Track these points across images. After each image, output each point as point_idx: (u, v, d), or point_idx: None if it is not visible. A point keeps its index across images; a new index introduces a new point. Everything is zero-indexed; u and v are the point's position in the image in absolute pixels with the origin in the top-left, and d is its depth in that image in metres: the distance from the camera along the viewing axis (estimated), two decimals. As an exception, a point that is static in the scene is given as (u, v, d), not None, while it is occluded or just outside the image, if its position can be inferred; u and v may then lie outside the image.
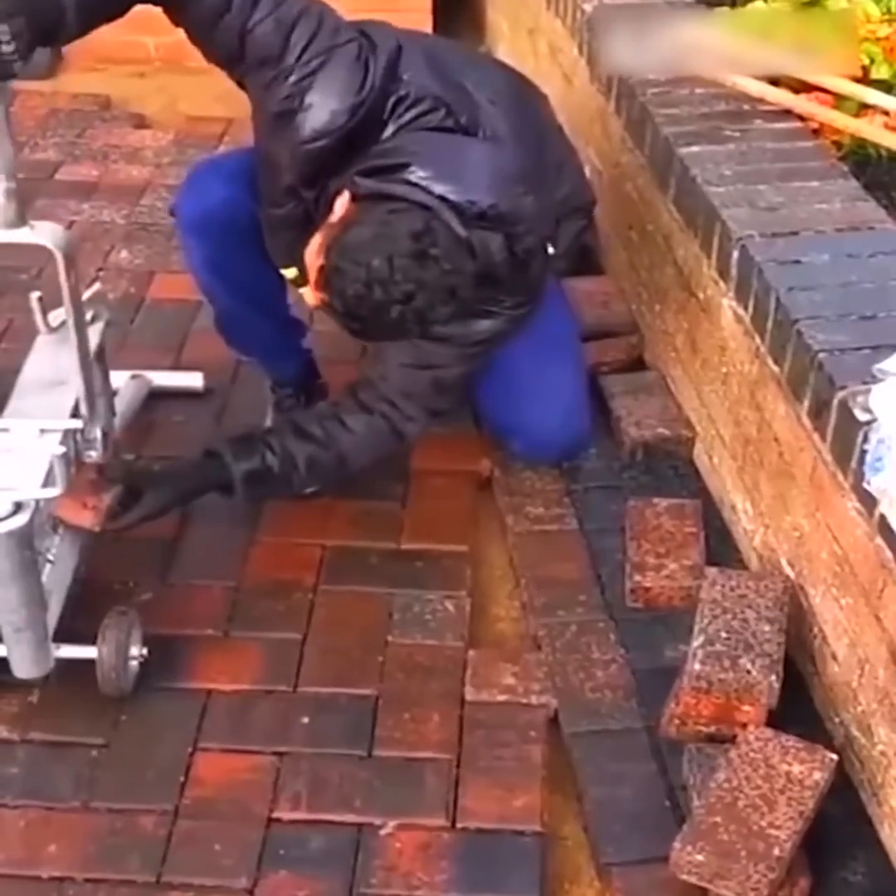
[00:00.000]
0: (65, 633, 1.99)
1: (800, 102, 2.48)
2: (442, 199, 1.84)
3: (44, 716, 2.00)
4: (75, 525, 1.98)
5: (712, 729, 1.90)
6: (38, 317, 2.16)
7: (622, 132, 2.70)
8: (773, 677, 1.85)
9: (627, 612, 2.16)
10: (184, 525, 2.36)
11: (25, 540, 1.85)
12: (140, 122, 3.86)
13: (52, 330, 2.19)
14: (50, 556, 2.00)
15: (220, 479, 2.11)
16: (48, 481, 1.91)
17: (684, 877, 1.69)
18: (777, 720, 1.87)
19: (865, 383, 1.73)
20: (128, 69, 4.16)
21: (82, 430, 2.06)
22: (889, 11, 2.64)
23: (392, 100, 1.97)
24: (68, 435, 2.01)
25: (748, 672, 1.85)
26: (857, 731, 1.84)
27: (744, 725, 1.85)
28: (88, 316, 2.25)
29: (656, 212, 2.55)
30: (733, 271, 2.13)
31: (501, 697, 2.03)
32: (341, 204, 1.92)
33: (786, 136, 2.43)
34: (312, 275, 1.91)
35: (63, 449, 1.95)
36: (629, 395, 2.57)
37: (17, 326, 2.77)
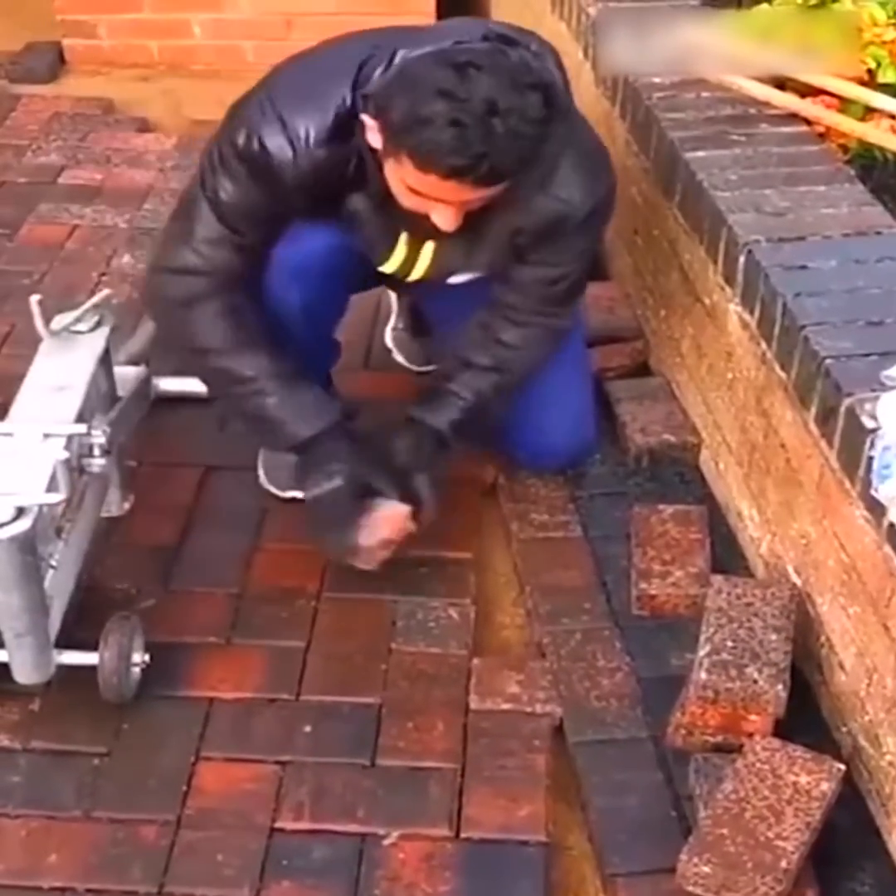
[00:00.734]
0: (67, 640, 1.98)
1: (806, 106, 2.47)
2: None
3: (45, 724, 1.99)
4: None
5: (719, 738, 1.88)
6: (37, 321, 2.15)
7: (627, 136, 2.69)
8: (780, 687, 1.84)
9: (633, 620, 2.15)
10: (186, 531, 2.35)
11: (28, 545, 1.84)
12: (143, 126, 3.85)
13: (51, 334, 2.18)
14: (52, 562, 1.99)
15: (433, 439, 2.16)
16: (51, 486, 1.89)
17: (691, 888, 1.68)
18: (784, 729, 1.86)
19: (873, 390, 1.72)
20: (131, 73, 4.14)
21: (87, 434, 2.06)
22: (896, 15, 2.64)
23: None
24: (72, 440, 2.00)
25: (755, 681, 1.84)
26: (864, 740, 1.83)
27: (751, 735, 1.84)
28: (94, 321, 2.25)
29: (662, 216, 2.54)
30: (739, 276, 2.12)
31: (506, 706, 2.02)
32: (371, 130, 1.85)
33: (792, 140, 2.42)
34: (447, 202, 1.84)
35: (67, 454, 1.94)
36: (634, 401, 2.55)
37: (19, 331, 2.76)
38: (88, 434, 2.07)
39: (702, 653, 1.89)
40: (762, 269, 2.04)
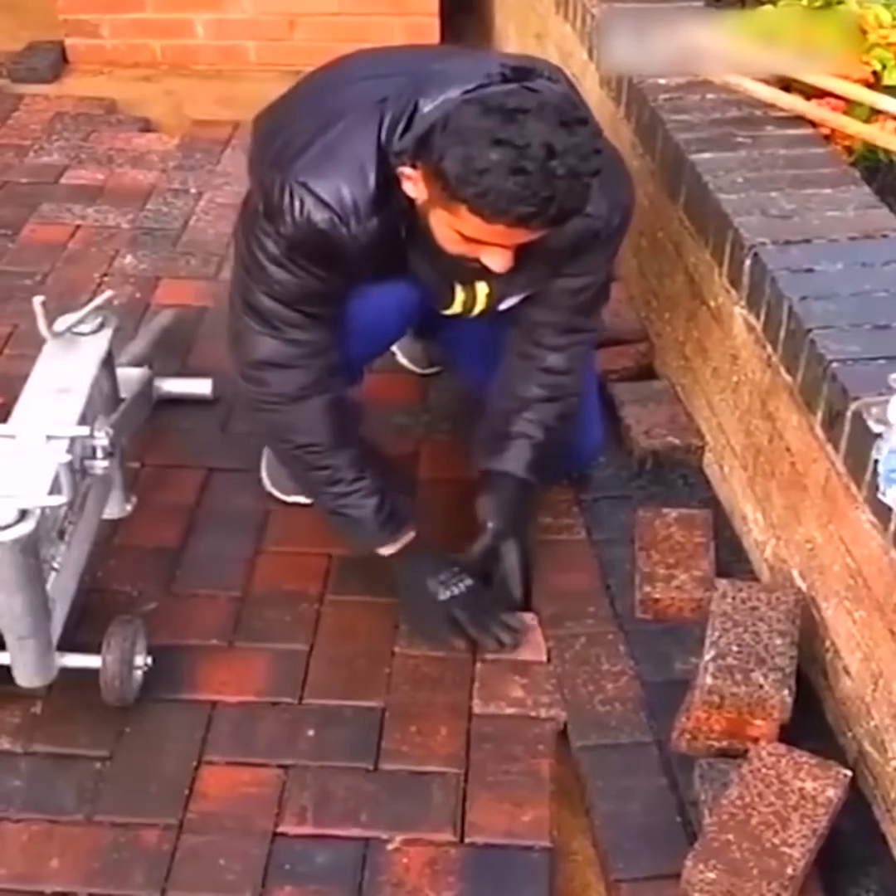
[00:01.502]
0: (69, 643, 1.97)
1: (811, 108, 2.46)
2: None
3: (47, 727, 1.98)
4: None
5: (724, 744, 1.88)
6: (41, 322, 2.15)
7: (632, 138, 2.68)
8: (786, 692, 1.83)
9: (637, 624, 2.14)
10: (189, 534, 2.34)
11: (30, 548, 1.83)
12: (146, 126, 3.84)
13: (54, 335, 2.18)
14: (55, 565, 1.98)
15: (518, 487, 2.19)
16: (54, 489, 1.89)
17: (696, 894, 1.67)
18: (789, 734, 1.85)
19: (880, 394, 1.71)
20: (134, 72, 4.13)
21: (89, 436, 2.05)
22: (901, 16, 2.63)
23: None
24: (75, 442, 1.99)
25: (760, 686, 1.83)
26: (870, 746, 1.82)
27: (756, 740, 1.83)
28: (97, 322, 2.24)
29: (667, 219, 2.53)
30: (745, 279, 2.11)
31: (510, 710, 2.01)
32: (410, 181, 1.83)
33: (797, 143, 2.41)
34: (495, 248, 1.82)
35: (69, 456, 1.94)
36: (638, 404, 2.55)
37: (21, 332, 2.76)
38: (91, 436, 2.06)
39: (707, 657, 1.88)
40: (768, 271, 2.03)
